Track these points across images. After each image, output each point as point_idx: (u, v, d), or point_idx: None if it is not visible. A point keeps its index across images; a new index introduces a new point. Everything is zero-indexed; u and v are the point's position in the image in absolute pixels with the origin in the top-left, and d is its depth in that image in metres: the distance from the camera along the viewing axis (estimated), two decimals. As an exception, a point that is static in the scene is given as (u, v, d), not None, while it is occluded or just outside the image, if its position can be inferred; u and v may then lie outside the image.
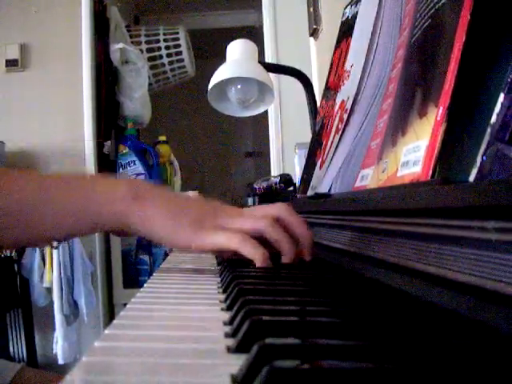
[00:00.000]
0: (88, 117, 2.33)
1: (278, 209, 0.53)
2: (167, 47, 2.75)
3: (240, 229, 0.50)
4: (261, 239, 0.50)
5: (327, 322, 0.26)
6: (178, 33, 2.77)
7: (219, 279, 0.49)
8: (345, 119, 0.66)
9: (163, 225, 0.50)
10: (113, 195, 0.50)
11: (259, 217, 0.52)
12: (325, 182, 0.66)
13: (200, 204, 0.55)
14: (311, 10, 1.89)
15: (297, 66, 1.23)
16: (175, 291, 0.43)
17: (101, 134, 2.39)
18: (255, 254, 0.49)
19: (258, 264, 0.49)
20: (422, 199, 0.28)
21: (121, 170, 2.39)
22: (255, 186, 1.32)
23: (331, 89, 0.81)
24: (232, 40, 1.13)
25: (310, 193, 0.73)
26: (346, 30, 0.80)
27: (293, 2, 2.24)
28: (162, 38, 2.75)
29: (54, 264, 2.04)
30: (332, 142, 0.69)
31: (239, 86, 1.11)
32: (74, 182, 0.53)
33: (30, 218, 0.50)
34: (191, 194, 2.32)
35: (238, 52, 1.10)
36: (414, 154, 0.36)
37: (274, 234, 0.50)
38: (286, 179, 1.27)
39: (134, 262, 2.43)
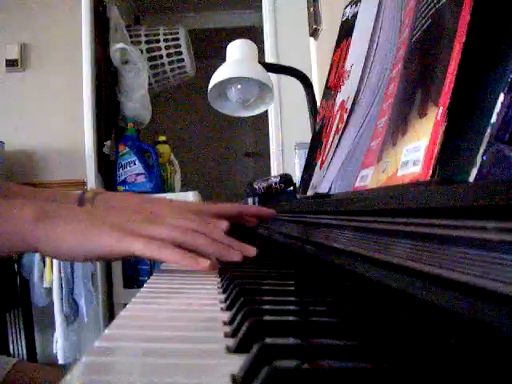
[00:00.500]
0: (88, 117, 2.33)
1: (191, 220, 0.53)
2: (167, 47, 2.75)
3: (154, 236, 0.50)
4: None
5: (327, 322, 0.26)
6: (178, 33, 2.77)
7: (219, 279, 0.49)
8: (345, 119, 0.66)
9: (69, 240, 0.50)
10: (16, 217, 0.50)
11: (173, 226, 0.52)
12: (325, 182, 0.66)
13: (113, 213, 0.55)
14: (311, 10, 1.89)
15: (297, 66, 1.23)
16: (175, 291, 0.43)
17: (101, 134, 2.39)
18: (168, 255, 0.48)
19: (183, 262, 0.48)
20: (422, 199, 0.28)
21: (121, 169, 2.39)
22: (255, 185, 1.32)
23: (331, 89, 0.81)
24: (232, 40, 1.13)
25: (310, 193, 0.73)
26: (346, 30, 0.80)
27: (293, 2, 2.24)
28: (162, 37, 2.75)
29: (53, 264, 2.04)
30: (332, 142, 0.69)
31: (239, 86, 1.11)
32: None
33: None
34: (191, 194, 2.32)
35: (238, 52, 1.10)
36: (414, 154, 0.36)
37: (190, 240, 0.50)
38: (286, 179, 1.27)
39: (134, 261, 2.43)
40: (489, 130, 0.27)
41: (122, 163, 2.39)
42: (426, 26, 0.41)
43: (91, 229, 0.50)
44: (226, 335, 0.27)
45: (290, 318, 0.28)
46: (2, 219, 0.51)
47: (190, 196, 2.32)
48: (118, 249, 0.49)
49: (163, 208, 0.65)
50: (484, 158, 0.27)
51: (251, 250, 0.54)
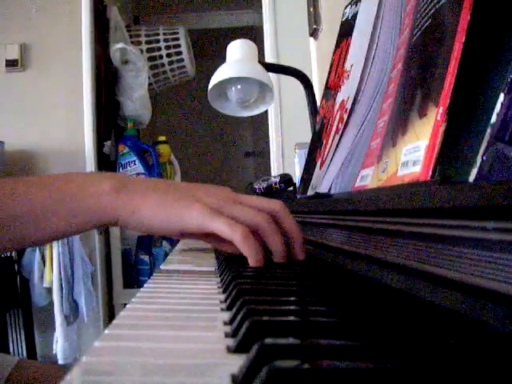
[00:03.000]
0: (88, 117, 2.33)
1: (276, 205, 0.52)
2: (167, 47, 2.76)
3: (238, 218, 0.49)
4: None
5: (327, 322, 0.26)
6: (178, 33, 2.77)
7: (219, 279, 0.49)
8: (345, 119, 0.66)
9: (155, 212, 0.49)
10: (96, 190, 0.49)
11: (258, 209, 0.50)
12: (325, 182, 0.66)
13: (192, 187, 0.53)
14: (311, 9, 1.89)
15: (297, 66, 1.23)
16: (175, 291, 0.43)
17: (101, 134, 2.39)
18: (253, 254, 0.48)
19: (252, 264, 0.48)
20: (421, 199, 0.28)
21: (121, 169, 2.39)
22: (255, 186, 1.32)
23: (331, 89, 0.81)
24: (232, 40, 1.13)
25: (310, 193, 0.73)
26: (346, 29, 0.80)
27: (293, 2, 2.24)
28: (162, 37, 2.75)
29: (53, 264, 2.04)
30: (332, 142, 0.69)
31: (239, 86, 1.11)
32: (56, 183, 0.51)
33: (20, 221, 0.49)
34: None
35: (238, 52, 1.10)
36: (413, 154, 0.36)
37: (271, 232, 0.50)
38: (286, 179, 1.27)
39: (133, 262, 2.43)
40: (489, 130, 0.27)
41: (122, 163, 2.39)
42: (425, 25, 0.41)
43: (175, 201, 0.49)
44: (226, 335, 0.27)
45: (290, 318, 0.27)
46: (80, 194, 0.50)
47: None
48: (200, 227, 0.48)
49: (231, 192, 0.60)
50: (484, 158, 0.27)
51: (303, 256, 0.53)
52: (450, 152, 0.32)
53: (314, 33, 1.92)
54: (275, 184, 1.26)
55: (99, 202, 0.49)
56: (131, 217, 0.49)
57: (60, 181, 0.51)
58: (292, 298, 0.35)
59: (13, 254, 2.04)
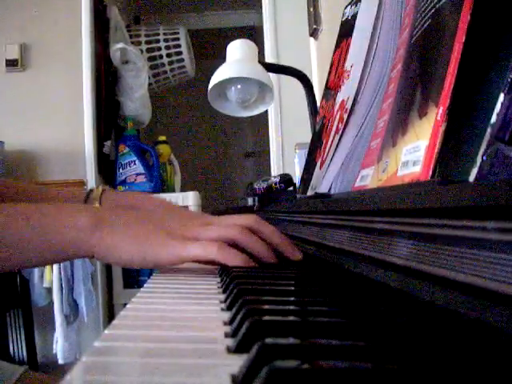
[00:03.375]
0: (88, 117, 2.33)
1: (247, 219, 0.53)
2: (167, 47, 2.76)
3: (213, 238, 0.50)
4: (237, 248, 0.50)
5: (327, 322, 0.26)
6: (178, 33, 2.78)
7: (219, 279, 0.49)
8: (345, 119, 0.66)
9: (129, 248, 0.49)
10: (73, 225, 0.50)
11: (229, 225, 0.51)
12: (325, 182, 0.66)
13: (165, 218, 0.55)
14: (311, 9, 1.89)
15: (297, 66, 1.23)
16: (175, 291, 0.43)
17: (101, 134, 2.39)
18: (235, 260, 0.48)
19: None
20: (421, 199, 0.28)
21: (121, 169, 2.39)
22: (255, 186, 1.32)
23: (331, 89, 0.81)
24: (232, 40, 1.13)
25: (310, 193, 0.73)
26: (346, 29, 0.80)
27: (293, 2, 2.24)
28: (162, 37, 2.75)
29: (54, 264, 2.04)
30: (332, 142, 0.69)
31: (239, 86, 1.11)
32: (35, 214, 0.52)
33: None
34: (191, 194, 2.32)
35: (238, 52, 1.10)
36: (414, 154, 0.36)
37: (247, 240, 0.51)
38: (286, 179, 1.27)
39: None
40: (489, 130, 0.27)
41: (122, 163, 2.39)
42: (426, 25, 0.41)
43: (152, 238, 0.50)
44: (226, 335, 0.27)
45: (290, 318, 0.27)
46: (56, 227, 0.50)
47: (190, 196, 2.31)
48: (176, 260, 0.49)
49: (203, 216, 0.62)
50: (484, 158, 0.27)
51: (298, 255, 0.54)
52: (450, 152, 0.32)
53: (314, 33, 1.92)
54: (275, 184, 1.26)
55: (75, 238, 0.50)
56: (106, 253, 0.50)
57: (39, 212, 0.52)
58: (292, 298, 0.35)
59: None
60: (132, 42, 2.64)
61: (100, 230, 0.50)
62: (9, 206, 0.54)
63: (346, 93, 0.70)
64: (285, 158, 2.26)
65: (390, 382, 0.17)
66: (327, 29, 1.73)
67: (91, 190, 0.70)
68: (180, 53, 2.77)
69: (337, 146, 0.66)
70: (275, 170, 2.27)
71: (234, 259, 0.48)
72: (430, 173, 0.33)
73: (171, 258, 0.49)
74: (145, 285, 0.46)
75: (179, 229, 0.51)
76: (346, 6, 0.83)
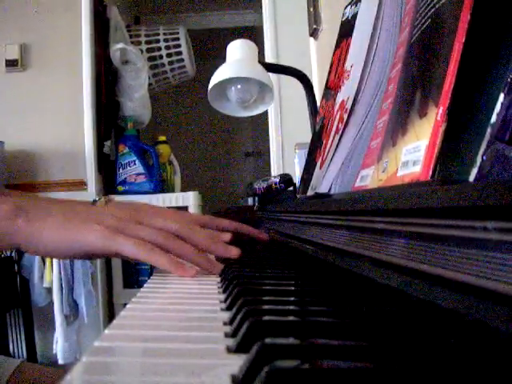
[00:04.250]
0: (88, 117, 2.33)
1: (177, 224, 0.54)
2: (167, 47, 2.76)
3: (142, 238, 0.49)
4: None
5: (327, 322, 0.26)
6: (178, 33, 2.77)
7: (219, 279, 0.49)
8: (345, 119, 0.66)
9: (53, 234, 0.48)
10: None
11: (158, 229, 0.52)
12: (325, 182, 0.66)
13: (92, 208, 0.54)
14: (311, 9, 1.89)
15: (297, 66, 1.23)
16: (175, 291, 0.43)
17: (101, 134, 2.38)
18: (159, 259, 0.49)
19: (172, 271, 0.49)
20: (421, 199, 0.28)
21: (121, 169, 2.39)
22: (255, 185, 1.32)
23: (331, 89, 0.81)
24: (232, 40, 1.13)
25: (310, 193, 0.73)
26: (346, 29, 0.80)
27: (293, 2, 2.24)
28: (162, 37, 2.75)
29: (53, 264, 2.04)
30: (332, 142, 0.69)
31: (239, 86, 1.11)
32: None
33: None
34: (191, 194, 2.32)
35: (238, 52, 1.10)
36: (414, 154, 0.36)
37: (173, 246, 0.51)
38: (286, 179, 1.27)
39: (134, 262, 2.43)
40: (489, 130, 0.27)
41: (122, 163, 2.39)
42: (425, 25, 0.41)
43: (76, 224, 0.49)
44: (226, 335, 0.27)
45: (290, 318, 0.28)
46: None
47: (190, 196, 2.31)
48: (104, 248, 0.48)
49: (158, 211, 0.62)
50: (484, 158, 0.27)
51: (234, 252, 0.56)
52: (450, 152, 0.32)
53: (313, 33, 1.92)
54: (275, 184, 1.26)
55: None
56: (32, 241, 0.49)
57: None
58: (292, 298, 0.35)
59: (13, 253, 2.04)
60: (132, 42, 2.64)
61: (23, 218, 0.49)
62: None
63: (346, 93, 0.70)
64: (285, 158, 2.26)
65: (389, 381, 0.17)
66: (327, 29, 1.72)
67: (95, 201, 0.70)
68: (180, 53, 2.77)
69: (337, 146, 0.66)
70: (275, 169, 2.27)
71: (162, 260, 0.49)
72: (430, 173, 0.33)
73: (100, 245, 0.48)
74: (145, 285, 0.46)
75: (107, 220, 0.50)
76: (346, 6, 0.83)
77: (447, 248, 0.27)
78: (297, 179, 1.25)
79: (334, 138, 0.69)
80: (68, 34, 2.37)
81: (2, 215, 0.49)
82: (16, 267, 2.06)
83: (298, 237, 0.65)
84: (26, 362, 0.78)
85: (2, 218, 0.49)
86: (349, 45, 0.75)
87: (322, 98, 0.87)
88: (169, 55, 2.76)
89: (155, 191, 2.34)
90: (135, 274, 2.40)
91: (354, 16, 0.77)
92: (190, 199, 2.30)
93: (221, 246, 0.56)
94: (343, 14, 0.84)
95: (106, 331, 0.28)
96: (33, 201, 0.52)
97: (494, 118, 0.27)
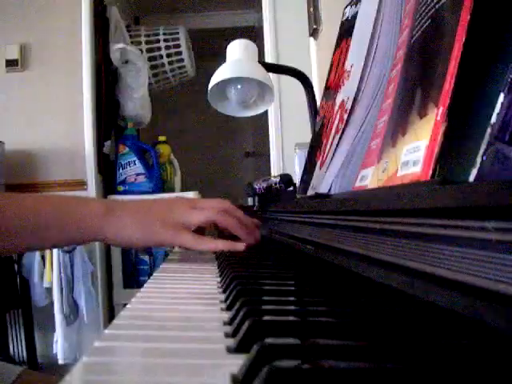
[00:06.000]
0: (88, 117, 2.33)
1: (222, 203, 0.66)
2: (167, 47, 2.75)
3: (199, 223, 0.62)
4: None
5: (327, 322, 0.26)
6: (178, 33, 2.77)
7: (219, 279, 0.49)
8: (345, 119, 0.66)
9: (136, 231, 0.60)
10: (86, 212, 0.60)
11: (209, 209, 0.64)
12: (325, 182, 0.66)
13: (163, 206, 0.65)
14: (311, 9, 1.89)
15: (297, 66, 1.22)
16: (175, 291, 0.43)
17: (101, 134, 2.38)
18: (215, 246, 0.61)
19: (224, 247, 0.61)
20: (422, 199, 0.28)
21: (121, 169, 2.39)
22: (255, 185, 1.32)
23: (331, 89, 0.81)
24: (232, 40, 1.13)
25: (310, 193, 0.73)
26: (346, 29, 0.80)
27: (293, 2, 2.24)
28: (162, 38, 2.75)
29: (54, 264, 2.04)
30: (332, 142, 0.69)
31: (239, 86, 1.11)
32: (56, 203, 0.62)
33: (25, 231, 0.59)
34: (191, 194, 2.32)
35: (237, 52, 1.10)
36: (414, 154, 0.36)
37: (226, 220, 0.63)
38: (286, 179, 1.27)
39: (134, 262, 2.43)
40: (489, 130, 0.27)
41: (122, 163, 2.39)
42: (425, 26, 0.41)
43: (152, 223, 0.61)
44: (226, 335, 0.27)
45: (290, 318, 0.28)
46: (72, 214, 0.60)
47: (190, 196, 2.32)
48: (174, 242, 0.61)
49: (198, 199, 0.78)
50: (484, 158, 0.27)
51: (258, 238, 0.68)
52: (450, 152, 0.32)
53: (313, 33, 1.92)
54: (275, 184, 1.26)
55: (89, 222, 0.60)
56: (117, 234, 0.60)
57: (59, 202, 0.63)
58: (292, 298, 0.35)
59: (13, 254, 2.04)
60: (132, 42, 2.64)
61: (111, 216, 0.60)
62: (31, 195, 0.66)
63: (346, 93, 0.70)
64: (285, 158, 2.26)
65: (389, 381, 0.17)
66: (327, 29, 1.73)
67: None
68: (180, 53, 2.77)
69: (337, 145, 0.66)
70: (275, 170, 2.27)
71: (215, 246, 0.61)
72: (430, 173, 0.33)
73: (168, 242, 0.61)
74: (145, 285, 0.46)
75: (172, 217, 0.62)
76: (346, 6, 0.83)
77: (447, 248, 0.27)
78: (297, 179, 1.25)
79: (334, 138, 0.69)
80: (68, 34, 2.37)
81: (94, 212, 0.60)
82: (16, 267, 2.06)
83: (298, 237, 0.65)
84: (28, 370, 0.78)
85: (94, 214, 0.60)
86: (349, 45, 0.75)
87: (322, 97, 0.87)
88: (169, 55, 2.76)
89: (155, 191, 2.34)
90: (135, 274, 2.40)
91: (354, 16, 0.77)
92: (190, 199, 2.30)
93: (255, 229, 0.68)
94: (343, 14, 0.84)
95: (106, 331, 0.28)
96: (118, 202, 0.66)
97: (494, 118, 0.27)
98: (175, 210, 0.64)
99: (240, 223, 0.64)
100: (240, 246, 0.61)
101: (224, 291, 0.41)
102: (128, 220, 0.60)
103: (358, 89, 0.65)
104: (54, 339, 2.03)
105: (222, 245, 0.61)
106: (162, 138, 2.55)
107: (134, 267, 2.42)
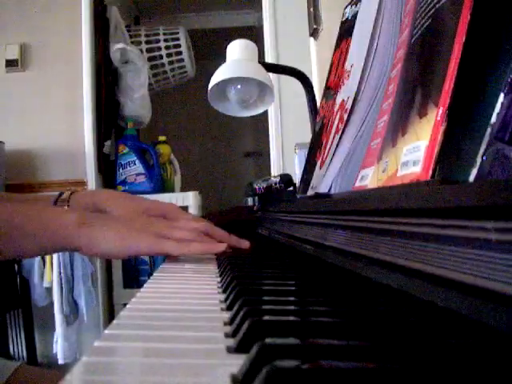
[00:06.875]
0: (88, 117, 2.33)
1: (201, 224, 0.68)
2: (167, 47, 2.75)
3: (179, 238, 0.62)
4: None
5: (327, 322, 0.26)
6: (178, 33, 2.77)
7: (219, 279, 0.49)
8: (345, 119, 0.66)
9: (113, 240, 0.59)
10: (62, 222, 0.60)
11: (190, 229, 0.65)
12: (325, 182, 0.66)
13: (141, 219, 0.67)
14: (311, 9, 1.89)
15: (297, 66, 1.22)
16: (175, 291, 0.43)
17: (101, 134, 2.38)
18: (206, 247, 0.62)
19: (210, 250, 0.63)
20: (421, 199, 0.28)
21: (121, 169, 2.39)
22: (255, 185, 1.32)
23: (331, 89, 0.81)
24: (232, 40, 1.13)
25: (310, 193, 0.73)
26: (346, 29, 0.80)
27: (293, 2, 2.24)
28: (162, 38, 2.75)
29: (53, 264, 2.04)
30: (332, 142, 0.69)
31: (239, 86, 1.11)
32: (31, 211, 0.63)
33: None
34: (191, 194, 2.32)
35: (238, 52, 1.10)
36: (414, 154, 0.36)
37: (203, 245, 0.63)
38: (286, 179, 1.27)
39: (134, 262, 2.43)
40: (489, 130, 0.27)
41: (122, 163, 2.39)
42: (425, 25, 0.41)
43: (130, 233, 0.60)
44: (226, 335, 0.27)
45: (290, 318, 0.28)
46: (46, 224, 0.60)
47: (190, 196, 2.31)
48: (155, 249, 0.60)
49: (172, 210, 0.77)
50: (484, 158, 0.27)
51: (246, 243, 0.70)
52: (450, 152, 0.32)
53: (313, 33, 1.92)
54: (275, 184, 1.26)
55: (64, 233, 0.60)
56: (93, 244, 0.59)
57: (36, 211, 0.62)
58: (292, 298, 0.35)
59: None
60: (132, 42, 2.63)
61: (86, 227, 0.60)
62: (5, 205, 0.64)
63: (346, 93, 0.70)
64: (285, 158, 2.26)
65: (390, 381, 0.17)
66: (327, 29, 1.73)
67: (61, 193, 0.79)
68: (180, 53, 2.77)
69: (337, 145, 0.66)
70: (275, 170, 2.27)
71: (203, 249, 0.62)
72: (430, 173, 0.33)
73: (148, 251, 0.61)
74: (145, 285, 0.46)
75: (151, 228, 0.62)
76: (346, 6, 0.83)
77: (447, 248, 0.27)
78: (297, 179, 1.25)
79: (334, 137, 0.69)
80: (68, 34, 2.37)
81: (69, 222, 0.60)
82: (16, 267, 2.06)
83: (298, 237, 0.65)
84: (25, 365, 0.78)
85: (69, 224, 0.59)
86: (349, 45, 0.75)
87: (322, 98, 0.87)
88: (169, 55, 2.75)
89: (155, 191, 2.34)
90: (135, 274, 2.40)
91: (354, 16, 0.77)
92: (190, 199, 2.30)
93: (234, 238, 0.70)
94: (343, 14, 0.84)
95: (106, 331, 0.28)
96: (95, 214, 0.66)
97: (494, 118, 0.27)
98: (155, 223, 0.65)
99: (224, 237, 0.67)
100: (222, 246, 0.63)
101: (224, 291, 0.41)
102: (104, 230, 0.60)
103: (358, 89, 0.65)
104: (54, 339, 2.03)
105: (202, 248, 0.62)
106: (161, 138, 2.55)
107: (134, 267, 2.41)
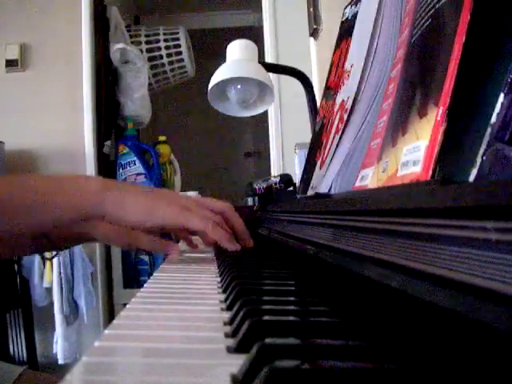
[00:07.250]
0: (88, 117, 2.33)
1: (223, 206, 0.67)
2: (167, 47, 2.75)
3: (205, 217, 0.61)
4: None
5: (327, 322, 0.26)
6: (178, 33, 2.77)
7: (219, 279, 0.49)
8: (345, 119, 0.66)
9: (138, 207, 0.57)
10: (87, 189, 0.58)
11: (213, 210, 0.64)
12: (325, 182, 0.66)
13: (167, 191, 0.67)
14: (311, 9, 1.89)
15: (297, 66, 1.22)
16: (175, 291, 0.43)
17: (101, 134, 2.38)
18: (224, 237, 0.61)
19: (227, 246, 0.62)
20: (421, 199, 0.28)
21: (121, 169, 2.39)
22: (255, 185, 1.32)
23: (331, 89, 0.81)
24: (232, 40, 1.13)
25: (310, 193, 0.73)
26: (346, 29, 0.80)
27: (293, 2, 2.24)
28: (162, 37, 2.75)
29: (53, 264, 2.04)
30: (332, 142, 0.69)
31: (239, 86, 1.11)
32: (55, 182, 0.60)
33: (29, 209, 0.56)
34: (191, 194, 2.32)
35: (237, 52, 1.10)
36: (413, 154, 0.36)
37: (216, 234, 0.62)
38: (286, 179, 1.27)
39: (134, 262, 2.43)
40: (489, 130, 0.27)
41: (122, 163, 2.39)
42: (425, 25, 0.41)
43: (156, 200, 0.59)
44: (226, 335, 0.27)
45: (290, 318, 0.28)
46: (70, 190, 0.58)
47: (192, 195, 2.31)
48: (179, 220, 0.58)
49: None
50: (484, 158, 0.27)
51: (251, 244, 0.69)
52: (450, 152, 0.32)
53: (314, 33, 1.92)
54: (275, 184, 1.26)
55: (89, 198, 0.57)
56: (118, 210, 0.57)
57: (59, 180, 0.60)
58: (292, 298, 0.35)
59: (13, 254, 2.03)
60: (132, 42, 2.63)
61: (110, 191, 0.57)
62: (31, 174, 0.65)
63: (346, 93, 0.70)
64: (285, 157, 2.26)
65: (390, 382, 0.17)
66: (327, 29, 1.73)
67: None
68: (180, 53, 2.77)
69: (337, 145, 0.66)
70: (275, 170, 2.27)
71: (222, 236, 0.61)
72: (430, 173, 0.33)
73: (174, 220, 0.59)
74: (145, 285, 0.46)
75: (179, 200, 0.61)
76: (346, 6, 0.83)
77: (447, 248, 0.27)
78: (297, 179, 1.25)
79: (334, 137, 0.69)
80: (68, 34, 2.37)
81: (92, 189, 0.57)
82: (16, 267, 2.06)
83: (298, 237, 0.65)
84: (29, 370, 0.78)
85: (93, 191, 0.57)
86: (349, 45, 0.75)
87: (322, 98, 0.87)
88: (169, 55, 2.76)
89: (155, 191, 2.34)
90: (135, 274, 2.40)
91: (354, 16, 0.77)
92: (190, 199, 2.30)
93: (247, 235, 0.69)
94: (343, 14, 0.84)
95: (106, 331, 0.28)
96: (118, 181, 0.66)
97: (494, 118, 0.27)
98: (182, 198, 0.63)
99: (229, 237, 0.64)
100: (237, 246, 0.63)
101: (224, 291, 0.41)
102: (132, 195, 0.58)
103: (358, 89, 0.65)
104: (54, 339, 2.03)
105: (224, 237, 0.61)
106: (162, 138, 2.55)
107: (134, 267, 2.41)
